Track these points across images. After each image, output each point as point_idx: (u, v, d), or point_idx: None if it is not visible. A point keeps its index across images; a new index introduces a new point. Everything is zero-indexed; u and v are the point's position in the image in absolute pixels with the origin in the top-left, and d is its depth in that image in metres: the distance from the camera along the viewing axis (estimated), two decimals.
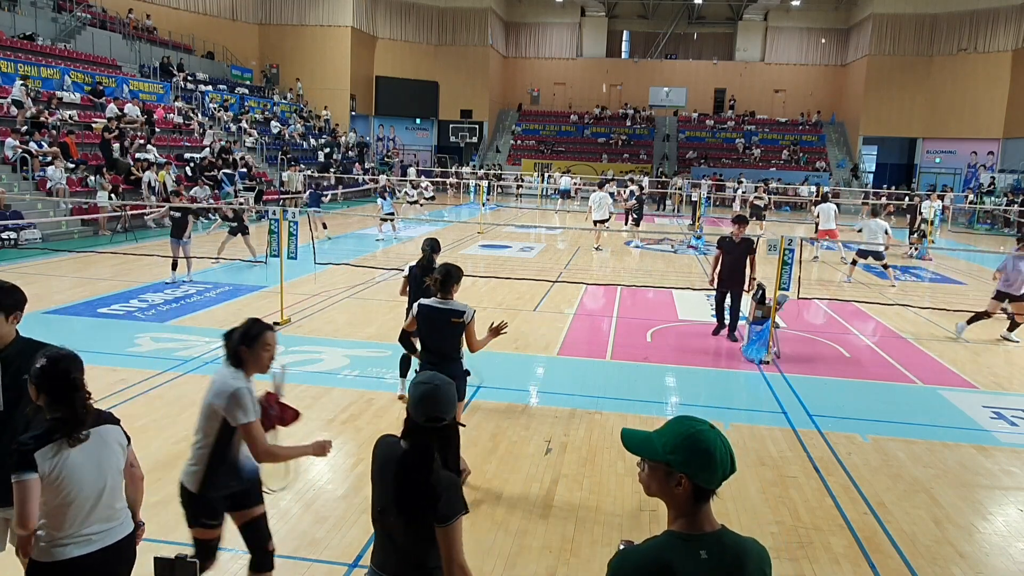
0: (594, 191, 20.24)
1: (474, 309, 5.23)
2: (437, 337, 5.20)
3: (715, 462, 1.86)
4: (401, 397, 7.05)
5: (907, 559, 4.69)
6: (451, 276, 5.16)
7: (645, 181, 31.62)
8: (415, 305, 5.30)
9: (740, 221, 10.10)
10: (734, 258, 9.76)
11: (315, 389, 7.31)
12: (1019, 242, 11.15)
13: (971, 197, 32.45)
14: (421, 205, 27.95)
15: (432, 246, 6.85)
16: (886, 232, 14.40)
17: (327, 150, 33.86)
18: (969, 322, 10.67)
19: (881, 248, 14.27)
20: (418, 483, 2.52)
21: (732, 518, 5.08)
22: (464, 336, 5.16)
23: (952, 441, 6.71)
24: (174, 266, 12.11)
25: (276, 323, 9.74)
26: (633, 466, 1.94)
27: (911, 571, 4.57)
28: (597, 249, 18.34)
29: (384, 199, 20.44)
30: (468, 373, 5.35)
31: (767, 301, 9.01)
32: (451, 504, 2.51)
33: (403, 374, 7.14)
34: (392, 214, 19.72)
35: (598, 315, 11.38)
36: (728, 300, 10.01)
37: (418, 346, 5.42)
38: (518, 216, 28.05)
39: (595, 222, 18.60)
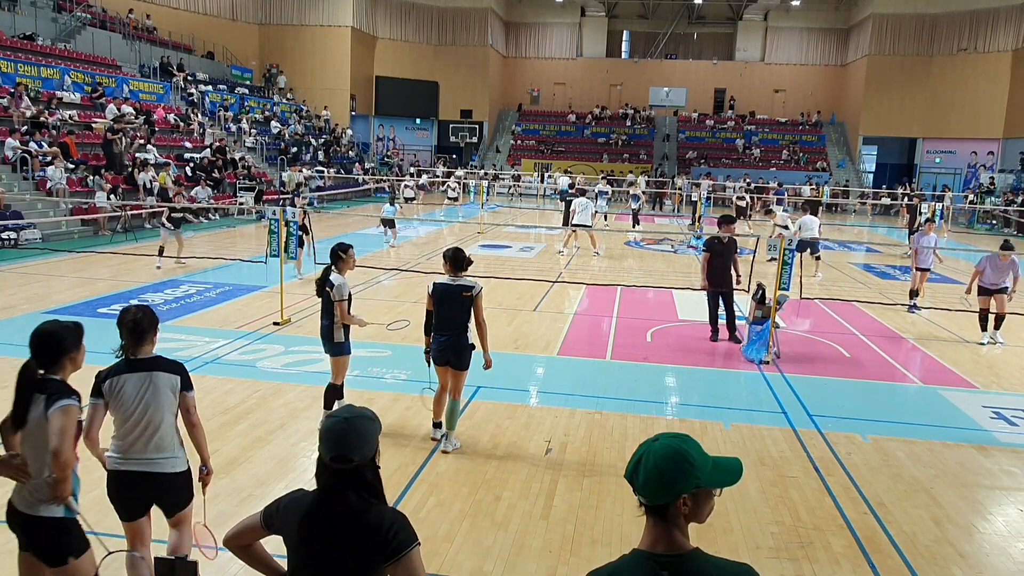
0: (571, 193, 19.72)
1: (481, 285, 5.96)
2: (450, 311, 5.88)
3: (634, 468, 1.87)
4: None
5: (907, 559, 4.69)
6: (459, 256, 5.92)
7: (642, 182, 31.58)
8: (429, 284, 5.94)
9: (727, 221, 10.10)
10: (724, 259, 9.76)
11: (315, 389, 7.29)
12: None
13: (971, 197, 32.45)
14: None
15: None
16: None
17: (295, 149, 31.63)
18: (985, 328, 10.49)
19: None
20: (344, 529, 2.22)
21: (732, 518, 5.08)
22: (472, 309, 5.88)
23: (952, 441, 6.71)
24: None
25: (276, 323, 9.75)
26: None
27: (911, 571, 4.57)
28: (561, 252, 17.40)
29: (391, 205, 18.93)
30: (473, 347, 5.97)
31: (767, 301, 9.01)
32: (398, 535, 2.22)
33: (327, 406, 6.47)
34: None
35: (598, 315, 11.38)
36: (721, 301, 9.96)
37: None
38: (517, 216, 28.05)
39: (574, 226, 17.27)
